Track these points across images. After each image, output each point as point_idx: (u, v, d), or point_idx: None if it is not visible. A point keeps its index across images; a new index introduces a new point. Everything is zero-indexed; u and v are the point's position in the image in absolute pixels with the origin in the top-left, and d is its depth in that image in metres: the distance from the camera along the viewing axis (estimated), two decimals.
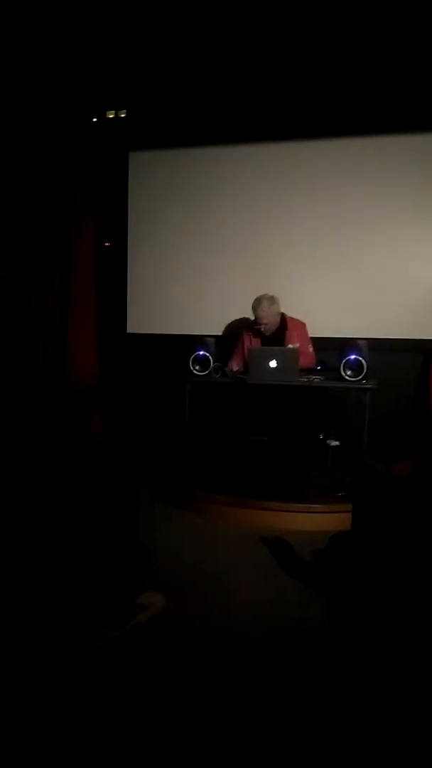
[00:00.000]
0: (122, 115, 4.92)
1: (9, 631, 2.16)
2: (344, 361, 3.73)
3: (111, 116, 4.94)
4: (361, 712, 1.87)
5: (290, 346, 4.05)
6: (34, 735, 1.73)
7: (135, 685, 1.99)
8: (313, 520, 3.50)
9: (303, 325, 4.20)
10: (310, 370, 3.96)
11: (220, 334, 4.65)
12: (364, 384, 3.71)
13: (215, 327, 4.68)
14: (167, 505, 3.93)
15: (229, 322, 4.68)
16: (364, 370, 3.69)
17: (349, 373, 3.72)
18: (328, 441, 4.12)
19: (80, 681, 1.97)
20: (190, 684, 2.00)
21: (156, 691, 1.96)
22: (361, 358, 3.70)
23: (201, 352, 4.05)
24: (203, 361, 4.03)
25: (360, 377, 3.70)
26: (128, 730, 1.78)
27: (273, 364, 3.76)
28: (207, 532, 3.48)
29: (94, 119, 4.92)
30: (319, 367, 4.03)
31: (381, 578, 2.30)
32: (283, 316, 4.16)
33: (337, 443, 4.13)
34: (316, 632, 2.36)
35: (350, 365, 3.72)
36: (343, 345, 3.84)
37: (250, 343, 4.18)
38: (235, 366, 4.20)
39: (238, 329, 4.46)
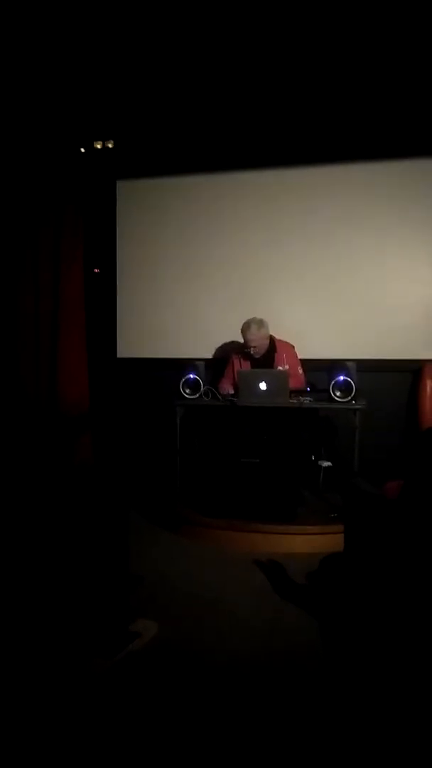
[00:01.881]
0: (110, 146, 5.01)
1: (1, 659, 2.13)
2: (333, 382, 3.76)
3: (99, 146, 5.02)
4: (358, 732, 1.85)
5: (279, 368, 4.08)
6: (28, 764, 1.70)
7: (129, 714, 1.96)
8: (307, 542, 3.49)
9: (292, 347, 4.24)
10: (300, 392, 3.98)
11: (210, 357, 4.68)
12: (354, 405, 3.73)
13: (205, 350, 4.72)
14: (159, 530, 3.91)
15: (219, 345, 4.71)
16: (353, 391, 3.72)
17: (338, 394, 3.75)
18: (319, 462, 4.13)
19: (73, 711, 1.94)
20: (185, 711, 1.98)
21: (150, 720, 1.93)
22: (349, 379, 3.73)
23: (191, 376, 4.06)
24: (193, 385, 4.05)
25: (349, 398, 3.72)
26: (122, 758, 1.75)
27: (263, 386, 3.78)
28: (200, 557, 3.46)
29: (82, 149, 5.00)
30: (308, 389, 4.05)
31: (374, 598, 2.29)
32: (272, 339, 4.20)
33: (329, 464, 4.14)
34: (312, 656, 2.34)
35: (339, 386, 3.75)
36: (332, 366, 3.88)
37: (239, 366, 4.21)
38: (225, 389, 4.22)
39: (227, 352, 4.50)
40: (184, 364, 4.18)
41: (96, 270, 5.17)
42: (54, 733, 1.84)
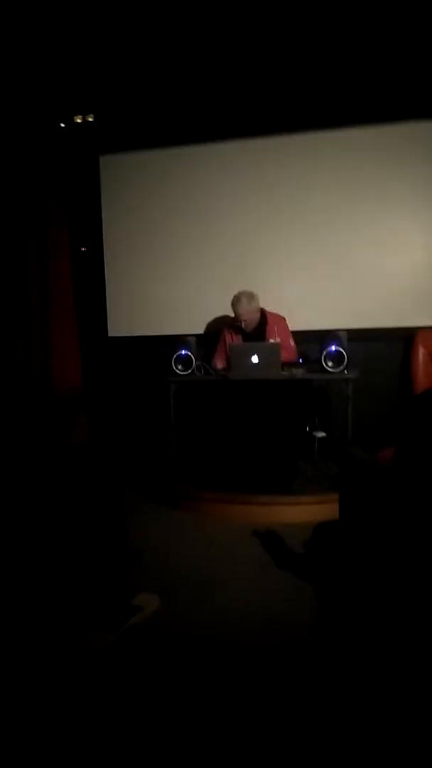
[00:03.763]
0: (90, 119, 4.90)
1: (3, 638, 2.16)
2: (325, 352, 3.76)
3: (79, 121, 4.92)
4: (358, 705, 1.89)
5: (271, 341, 4.07)
6: (32, 739, 1.74)
7: (132, 687, 2.00)
8: (303, 512, 3.53)
9: (283, 319, 4.23)
10: (293, 364, 3.98)
11: (201, 332, 4.67)
12: (346, 374, 3.74)
13: (196, 326, 4.70)
14: (157, 506, 3.95)
15: (210, 320, 4.69)
16: (345, 361, 3.72)
17: (330, 364, 3.75)
18: (314, 433, 4.16)
19: (77, 685, 1.98)
20: (188, 684, 2.02)
21: (153, 693, 1.97)
22: (341, 349, 3.73)
23: (183, 352, 4.05)
24: (185, 361, 4.04)
25: (341, 368, 3.73)
26: (126, 732, 1.79)
27: (255, 359, 3.78)
28: (198, 530, 3.50)
29: (62, 125, 4.89)
30: (300, 360, 4.05)
31: (369, 565, 2.33)
32: (263, 312, 4.19)
33: (323, 434, 4.17)
34: (311, 625, 2.38)
35: (331, 356, 3.75)
36: (324, 337, 3.87)
37: (231, 340, 4.20)
38: (218, 364, 4.21)
39: (219, 327, 4.48)
40: (176, 341, 4.17)
41: (83, 249, 5.11)
42: (56, 708, 1.88)
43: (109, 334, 5.00)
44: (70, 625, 2.24)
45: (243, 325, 4.13)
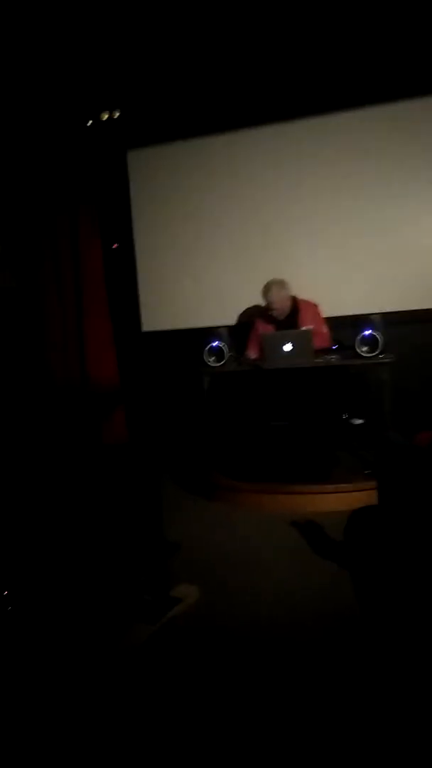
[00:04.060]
0: (116, 116, 4.92)
1: (47, 630, 2.21)
2: (359, 337, 3.69)
3: (105, 118, 4.95)
4: (400, 693, 1.87)
5: (304, 328, 4.02)
6: (73, 729, 1.78)
7: (174, 678, 2.02)
8: (342, 500, 3.49)
9: (315, 306, 4.17)
10: (326, 351, 3.93)
11: (233, 323, 4.65)
12: (381, 359, 3.66)
13: (228, 317, 4.68)
14: (195, 498, 3.96)
15: (242, 310, 4.67)
16: (380, 345, 3.64)
17: (364, 349, 3.68)
18: (351, 420, 4.09)
19: (119, 676, 2.01)
20: (230, 674, 2.02)
21: (195, 684, 1.98)
22: (375, 333, 3.66)
23: (215, 344, 4.04)
24: (218, 352, 4.03)
25: (376, 352, 3.65)
26: (169, 722, 1.81)
27: (287, 347, 3.74)
28: (235, 521, 3.50)
29: (89, 122, 4.93)
30: (335, 347, 3.99)
31: (409, 550, 2.28)
32: (294, 299, 4.14)
33: (361, 421, 4.10)
34: (353, 614, 2.35)
35: (365, 341, 3.68)
36: (357, 321, 3.80)
37: (263, 329, 4.17)
38: (252, 354, 4.19)
39: (250, 317, 4.46)
40: (208, 333, 4.17)
41: (114, 245, 5.15)
42: (99, 697, 1.91)
43: (143, 329, 5.03)
44: (112, 617, 2.28)
45: (275, 314, 4.09)
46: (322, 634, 2.22)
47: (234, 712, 1.83)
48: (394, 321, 4.05)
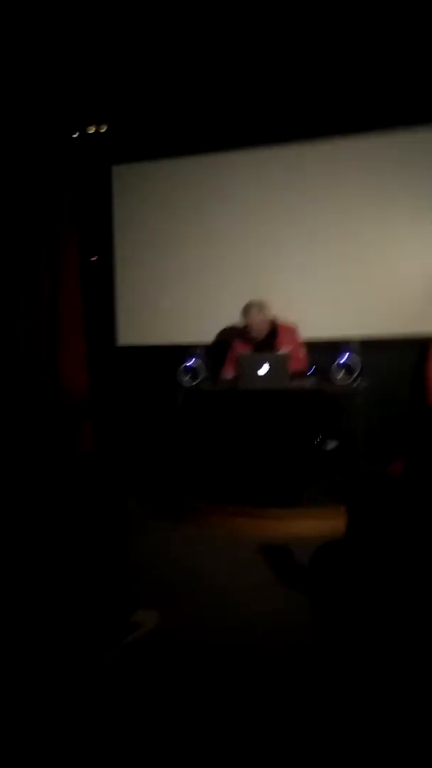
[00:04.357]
0: (103, 130, 4.91)
1: None
2: (336, 363, 3.69)
3: (92, 131, 4.93)
4: (362, 722, 1.80)
5: (281, 351, 4.00)
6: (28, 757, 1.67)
7: (129, 704, 1.92)
8: (312, 526, 3.42)
9: (294, 329, 4.16)
10: (303, 374, 3.91)
11: (210, 342, 4.61)
12: (357, 385, 3.65)
13: (205, 335, 4.64)
14: (162, 518, 3.88)
15: (220, 329, 4.64)
16: (357, 371, 3.64)
17: (341, 375, 3.67)
18: (325, 443, 4.06)
19: (73, 704, 1.91)
20: (185, 701, 1.94)
21: (152, 711, 1.89)
22: (353, 359, 3.66)
23: (191, 362, 4.00)
24: (193, 371, 3.99)
25: (352, 378, 3.65)
26: (123, 750, 1.71)
27: (263, 370, 3.71)
28: (203, 544, 3.42)
29: (75, 134, 4.91)
30: (311, 371, 3.97)
31: (377, 580, 2.23)
32: (273, 322, 4.12)
33: (334, 444, 4.07)
34: (316, 645, 2.29)
35: (342, 367, 3.68)
36: (335, 346, 3.80)
37: (241, 350, 4.14)
38: (228, 374, 4.15)
39: (228, 337, 4.42)
40: (185, 350, 4.12)
41: (94, 257, 5.10)
42: (54, 726, 1.81)
43: (118, 343, 4.97)
44: (67, 641, 2.17)
45: (253, 335, 4.07)
46: (281, 663, 2.15)
47: (186, 740, 1.75)
48: (371, 347, 4.05)
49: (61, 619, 2.24)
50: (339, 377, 3.68)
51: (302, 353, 4.09)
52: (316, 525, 3.42)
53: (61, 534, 2.62)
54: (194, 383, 3.97)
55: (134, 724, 1.83)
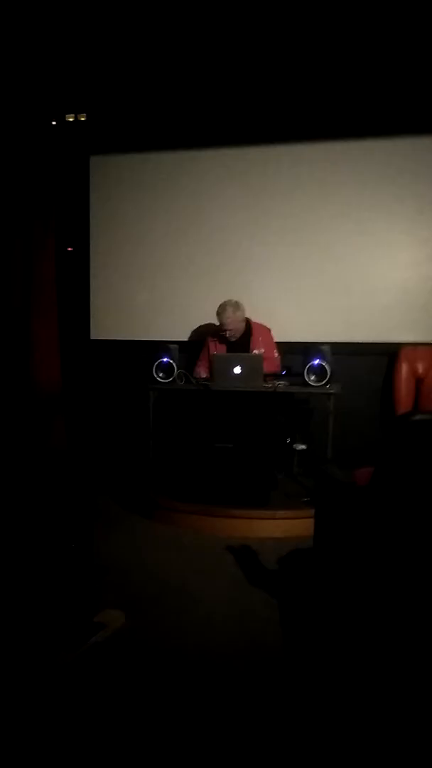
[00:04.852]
0: (82, 119, 4.83)
1: None
2: (308, 366, 3.72)
3: (71, 119, 4.85)
4: (331, 726, 1.84)
5: (255, 351, 4.02)
6: None
7: (91, 709, 1.92)
8: (279, 527, 3.48)
9: (268, 330, 4.19)
10: (276, 376, 3.94)
11: (185, 339, 4.60)
12: (328, 389, 3.70)
13: (180, 333, 4.63)
14: (132, 515, 3.87)
15: (195, 327, 4.63)
16: (328, 376, 3.68)
17: (312, 378, 3.71)
18: (294, 445, 4.11)
19: (34, 707, 1.89)
20: (152, 705, 1.94)
21: (116, 714, 1.89)
22: (324, 363, 3.69)
23: (165, 360, 3.99)
24: (167, 369, 3.97)
25: (323, 382, 3.69)
26: (87, 755, 1.71)
27: (237, 370, 3.73)
28: (172, 543, 3.42)
29: (53, 122, 4.82)
30: (284, 372, 4.00)
31: (342, 585, 2.28)
32: (248, 322, 4.14)
33: (303, 447, 4.12)
34: (280, 644, 2.32)
35: (314, 370, 3.71)
36: (308, 349, 3.83)
37: (215, 349, 4.15)
38: (201, 372, 4.15)
39: (203, 335, 4.42)
40: (159, 347, 4.10)
41: (69, 249, 5.03)
42: (14, 728, 1.80)
43: (92, 337, 4.92)
44: (28, 642, 2.16)
45: (227, 335, 4.08)
46: (250, 664, 2.18)
47: (151, 743, 1.76)
48: (343, 351, 4.11)
49: (22, 618, 2.22)
50: (310, 380, 3.72)
51: (276, 354, 4.13)
52: (281, 526, 3.48)
53: (26, 529, 2.59)
54: (167, 380, 3.96)
55: (97, 727, 1.83)
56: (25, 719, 1.84)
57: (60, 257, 4.88)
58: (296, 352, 4.05)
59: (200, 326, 4.59)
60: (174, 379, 3.96)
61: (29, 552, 2.44)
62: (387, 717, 1.84)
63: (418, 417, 2.10)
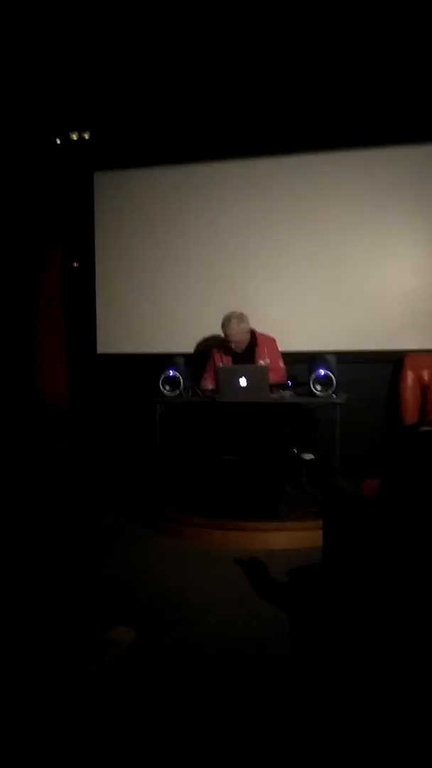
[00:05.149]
0: (86, 137, 4.89)
1: None
2: (314, 376, 3.73)
3: (75, 138, 4.91)
4: (339, 739, 1.84)
5: (260, 362, 4.04)
6: None
7: (105, 728, 1.93)
8: (287, 539, 3.48)
9: (273, 341, 4.20)
10: (281, 386, 3.95)
11: (191, 352, 4.62)
12: (334, 399, 3.70)
13: (186, 345, 4.65)
14: (140, 528, 3.88)
15: (200, 340, 4.65)
16: (333, 385, 3.69)
17: (318, 388, 3.71)
18: (301, 455, 4.11)
19: (47, 726, 1.90)
20: (165, 723, 1.95)
21: (129, 733, 1.90)
22: (330, 373, 3.70)
23: (171, 373, 4.00)
24: (173, 382, 3.99)
25: (329, 392, 3.69)
26: None
27: (243, 382, 3.74)
28: (180, 556, 3.43)
29: (58, 141, 4.89)
30: (290, 383, 4.01)
31: (351, 597, 2.27)
32: (253, 333, 4.16)
33: (311, 457, 4.12)
34: (291, 657, 2.32)
35: (320, 380, 3.71)
36: (313, 359, 3.84)
37: (221, 361, 4.16)
38: (208, 384, 4.17)
39: (208, 347, 4.44)
40: (165, 360, 4.13)
41: (75, 264, 5.08)
42: (28, 748, 1.80)
43: (98, 351, 4.95)
44: (39, 661, 2.16)
45: (233, 346, 4.09)
46: (255, 677, 2.17)
47: (165, 760, 1.76)
48: (348, 360, 4.12)
49: (33, 637, 2.23)
50: (316, 390, 3.72)
51: (281, 365, 4.14)
52: (290, 538, 3.48)
53: (34, 545, 2.60)
54: (174, 393, 3.98)
55: (110, 746, 1.84)
56: (36, 742, 1.85)
57: (66, 272, 4.93)
58: (302, 362, 4.06)
59: (205, 338, 4.61)
60: (180, 392, 3.98)
61: (37, 568, 2.45)
62: (393, 727, 1.84)
63: (424, 428, 2.11)
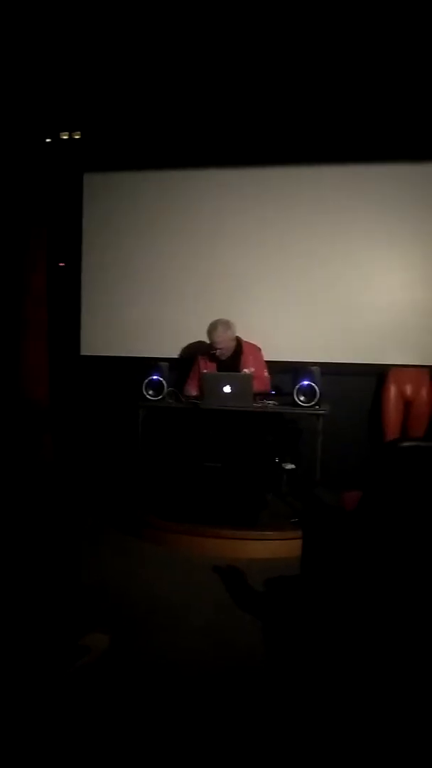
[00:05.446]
0: (76, 137, 4.87)
1: None
2: (297, 386, 3.74)
3: (65, 137, 4.89)
4: (309, 740, 1.83)
5: (245, 370, 4.04)
6: None
7: (78, 734, 1.90)
8: (267, 548, 3.48)
9: (258, 349, 4.21)
10: (265, 395, 3.95)
11: (175, 357, 4.61)
12: (317, 410, 3.72)
13: (171, 350, 4.64)
14: (120, 534, 3.84)
15: (185, 345, 4.64)
16: (317, 396, 3.70)
17: (302, 398, 3.73)
18: (283, 464, 4.11)
19: (17, 733, 1.87)
20: (137, 731, 1.92)
21: (101, 740, 1.87)
22: (313, 384, 3.72)
23: (155, 377, 3.99)
24: (157, 386, 3.98)
25: (312, 403, 3.71)
26: None
27: (227, 389, 3.74)
28: (159, 562, 3.40)
29: (48, 140, 4.86)
30: (273, 392, 4.02)
31: (327, 609, 2.28)
32: (238, 341, 4.16)
33: (292, 466, 4.13)
34: (265, 665, 2.31)
35: (303, 391, 3.73)
36: (297, 370, 3.86)
37: (205, 367, 4.15)
38: (191, 390, 4.15)
39: (193, 353, 4.43)
40: (149, 364, 4.11)
41: (61, 264, 5.04)
42: None
43: (82, 353, 4.91)
44: (9, 666, 2.13)
45: (218, 353, 4.09)
46: (230, 683, 2.16)
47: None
48: (332, 371, 4.14)
49: (4, 641, 2.19)
50: (300, 400, 3.74)
51: (266, 373, 4.14)
52: (269, 547, 3.48)
53: (10, 547, 2.56)
54: (157, 398, 3.96)
55: (82, 753, 1.81)
56: (9, 747, 1.81)
57: (51, 272, 4.88)
58: (286, 372, 4.07)
59: (191, 344, 4.60)
60: (164, 397, 3.96)
61: (12, 571, 2.41)
62: (365, 732, 1.84)
63: (405, 444, 2.12)
